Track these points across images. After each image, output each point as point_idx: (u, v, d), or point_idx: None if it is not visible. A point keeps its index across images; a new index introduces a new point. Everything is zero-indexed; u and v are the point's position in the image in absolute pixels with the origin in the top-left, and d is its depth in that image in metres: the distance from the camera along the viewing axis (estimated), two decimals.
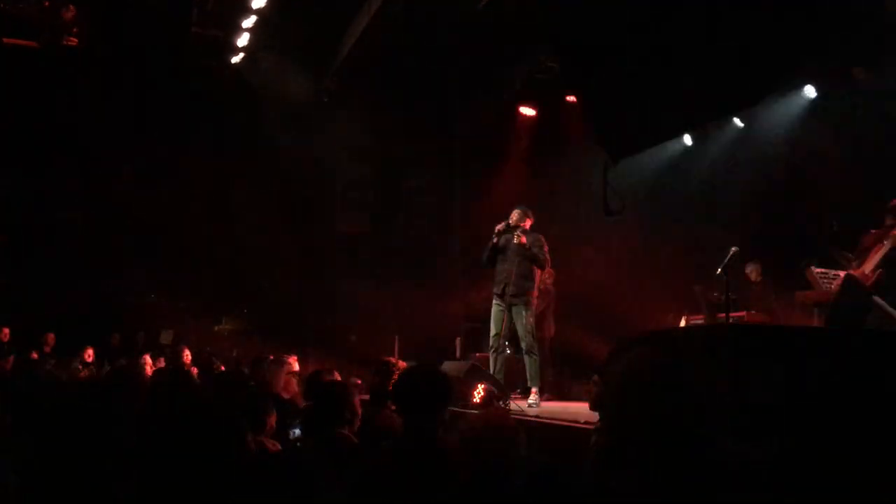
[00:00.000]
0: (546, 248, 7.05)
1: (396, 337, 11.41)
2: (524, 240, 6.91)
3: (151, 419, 3.42)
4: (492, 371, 6.83)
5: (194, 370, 8.57)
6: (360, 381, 6.71)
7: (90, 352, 10.02)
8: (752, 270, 8.52)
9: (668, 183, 9.88)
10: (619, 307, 9.31)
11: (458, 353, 10.65)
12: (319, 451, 3.19)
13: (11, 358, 9.50)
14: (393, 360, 5.25)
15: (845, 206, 7.61)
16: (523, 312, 6.93)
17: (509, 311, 6.97)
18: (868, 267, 5.71)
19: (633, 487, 1.73)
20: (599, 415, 1.96)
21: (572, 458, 3.78)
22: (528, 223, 7.12)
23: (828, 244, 6.78)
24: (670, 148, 9.78)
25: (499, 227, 7.13)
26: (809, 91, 8.50)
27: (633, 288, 9.68)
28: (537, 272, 7.12)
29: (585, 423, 4.44)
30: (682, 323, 8.37)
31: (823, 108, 8.35)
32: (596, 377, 4.19)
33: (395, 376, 4.60)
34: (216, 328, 12.67)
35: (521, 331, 6.95)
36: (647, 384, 1.82)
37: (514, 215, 7.12)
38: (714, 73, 3.28)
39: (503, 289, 6.99)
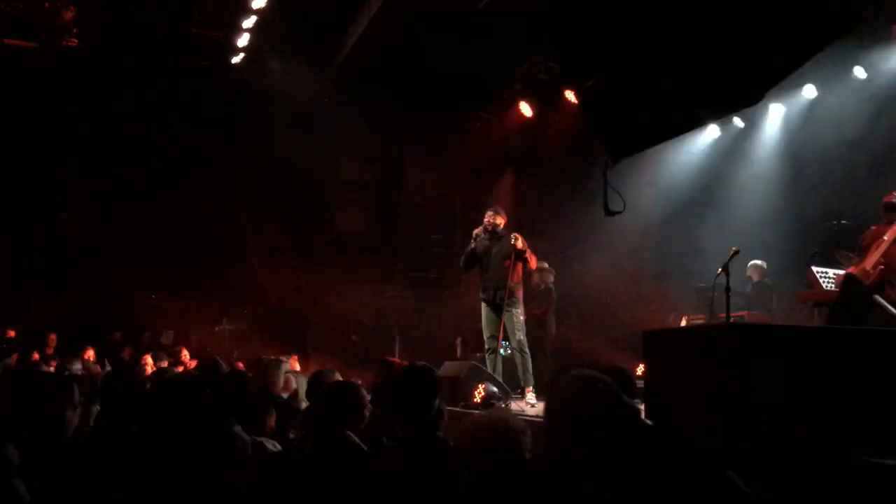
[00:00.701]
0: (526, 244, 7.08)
1: (397, 337, 11.42)
2: (520, 244, 6.94)
3: (149, 418, 3.41)
4: (490, 372, 6.86)
5: (192, 363, 8.59)
6: (360, 382, 6.70)
7: (91, 352, 10.00)
8: (753, 270, 8.52)
9: (669, 183, 9.87)
10: (620, 307, 9.32)
11: (458, 353, 10.65)
12: (324, 452, 3.19)
13: (15, 356, 9.53)
14: (396, 360, 5.26)
15: (846, 205, 7.61)
16: (514, 311, 6.98)
17: (500, 313, 6.99)
18: (869, 263, 5.69)
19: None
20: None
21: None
22: (501, 221, 7.15)
23: (828, 245, 6.78)
24: (671, 147, 9.77)
25: (477, 231, 7.16)
26: (809, 91, 8.49)
27: (634, 288, 9.69)
28: (520, 271, 7.15)
29: None
30: (683, 323, 8.37)
31: (823, 107, 8.35)
32: None
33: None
34: (217, 329, 12.66)
35: (511, 330, 6.98)
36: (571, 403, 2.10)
37: (489, 216, 7.15)
38: (715, 73, 3.28)
39: (494, 294, 7.02)
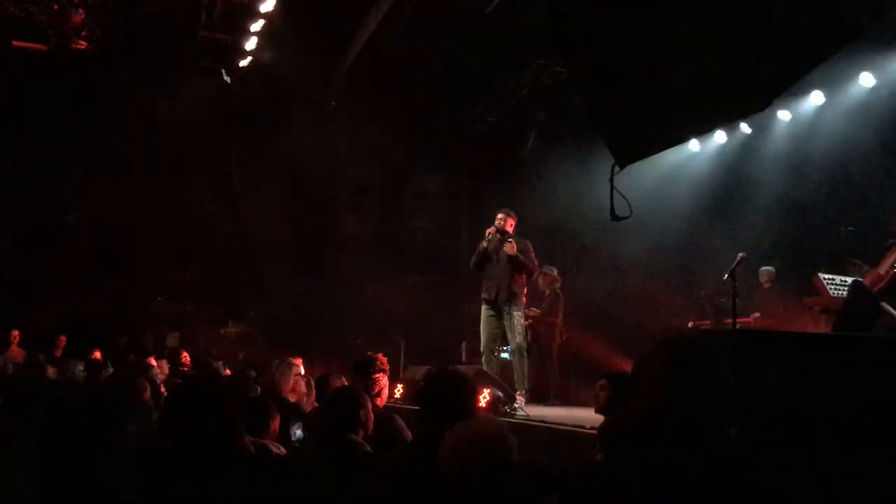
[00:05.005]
0: (533, 255, 7.07)
1: (403, 340, 11.41)
2: (514, 249, 6.95)
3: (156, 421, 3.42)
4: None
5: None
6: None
7: (97, 354, 10.01)
8: (763, 276, 8.50)
9: (675, 188, 9.85)
10: (625, 312, 9.29)
11: (463, 358, 10.63)
12: (329, 457, 3.18)
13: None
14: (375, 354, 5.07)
15: (853, 212, 7.58)
16: (515, 314, 6.97)
17: (501, 315, 7.00)
18: (883, 267, 5.66)
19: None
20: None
21: (577, 464, 3.76)
22: (511, 223, 7.16)
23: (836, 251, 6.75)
24: (678, 153, 9.75)
25: (489, 230, 7.16)
26: (817, 97, 8.46)
27: (641, 293, 9.66)
28: (525, 276, 7.16)
29: (591, 428, 4.42)
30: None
31: (831, 113, 8.32)
32: (603, 381, 4.18)
33: (375, 368, 4.55)
34: (223, 331, 12.68)
35: (511, 333, 6.97)
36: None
37: (499, 219, 7.16)
38: (722, 79, 3.28)
39: (495, 294, 7.01)
